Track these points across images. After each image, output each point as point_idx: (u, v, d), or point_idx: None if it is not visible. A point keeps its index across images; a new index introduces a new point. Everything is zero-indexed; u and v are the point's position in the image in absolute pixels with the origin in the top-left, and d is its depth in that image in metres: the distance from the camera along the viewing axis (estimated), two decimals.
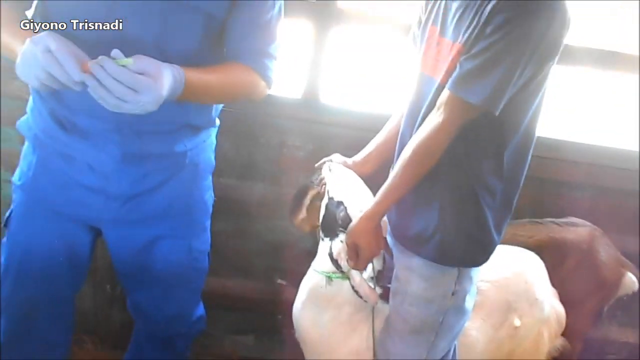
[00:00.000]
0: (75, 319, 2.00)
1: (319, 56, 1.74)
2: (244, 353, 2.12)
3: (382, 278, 1.36)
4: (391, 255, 1.35)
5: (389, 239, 1.36)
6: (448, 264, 1.25)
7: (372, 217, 1.23)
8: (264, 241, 1.98)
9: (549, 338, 1.58)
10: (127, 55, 0.93)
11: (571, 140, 1.96)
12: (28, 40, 0.93)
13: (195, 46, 1.14)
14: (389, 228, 1.38)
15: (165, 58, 1.01)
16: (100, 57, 0.91)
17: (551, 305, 1.59)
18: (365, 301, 1.31)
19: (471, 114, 1.10)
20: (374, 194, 1.27)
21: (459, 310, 1.31)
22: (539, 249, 1.67)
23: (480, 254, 1.28)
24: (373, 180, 1.39)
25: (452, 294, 1.27)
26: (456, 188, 1.20)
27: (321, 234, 1.43)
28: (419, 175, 1.17)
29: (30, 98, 1.25)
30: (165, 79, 0.96)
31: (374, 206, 1.23)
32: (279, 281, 1.98)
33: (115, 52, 0.92)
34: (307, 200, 1.54)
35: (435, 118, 1.12)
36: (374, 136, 1.48)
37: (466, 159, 1.18)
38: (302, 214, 1.56)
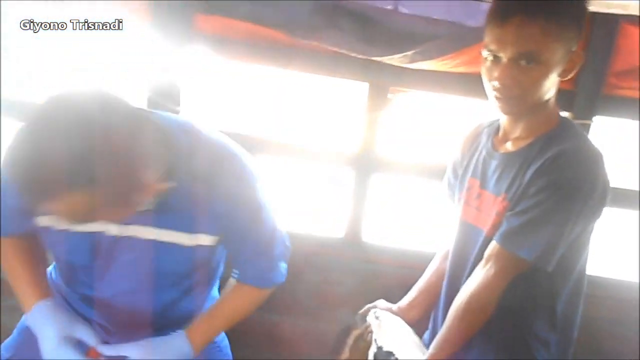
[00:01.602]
0: None
1: (360, 199, 1.85)
2: None
3: None
4: None
5: None
6: None
7: None
8: None
9: None
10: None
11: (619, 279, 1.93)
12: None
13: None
14: None
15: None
16: None
17: None
18: None
19: (522, 269, 1.12)
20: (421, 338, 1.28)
21: None
22: None
23: None
24: (419, 326, 1.40)
25: None
26: (510, 342, 1.20)
27: None
28: (474, 327, 1.17)
29: None
30: None
31: (429, 357, 1.21)
32: None
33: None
34: (350, 341, 1.54)
35: (485, 271, 1.15)
36: (414, 273, 1.51)
37: (517, 312, 1.18)
38: (345, 354, 1.55)
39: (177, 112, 1.79)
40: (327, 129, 1.91)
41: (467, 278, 1.22)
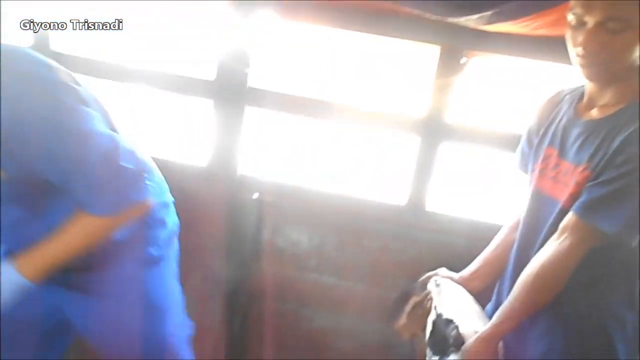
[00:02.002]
0: None
1: (425, 167, 1.81)
2: None
3: None
4: None
5: None
6: None
7: (490, 339, 1.18)
8: (361, 341, 1.98)
9: None
10: None
11: None
12: None
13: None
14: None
15: None
16: None
17: None
18: None
19: (600, 241, 1.08)
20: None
21: None
22: None
23: None
24: (481, 296, 1.37)
25: None
26: (582, 317, 1.14)
27: (429, 352, 1.41)
28: (543, 300, 1.14)
29: None
30: None
31: (491, 328, 1.19)
32: None
33: None
34: (408, 307, 1.54)
35: (560, 243, 1.10)
36: (478, 245, 1.47)
37: (594, 286, 1.13)
38: (403, 320, 1.56)
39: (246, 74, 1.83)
40: (395, 94, 1.85)
41: (537, 250, 1.17)
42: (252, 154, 1.99)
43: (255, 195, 1.93)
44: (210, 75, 1.87)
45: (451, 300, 1.38)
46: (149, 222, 1.33)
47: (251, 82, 1.87)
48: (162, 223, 1.38)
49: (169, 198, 1.45)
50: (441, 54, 1.71)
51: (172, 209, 1.46)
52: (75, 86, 1.13)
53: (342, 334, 2.02)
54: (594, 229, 1.07)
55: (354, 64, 1.90)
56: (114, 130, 1.20)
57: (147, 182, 1.22)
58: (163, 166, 1.97)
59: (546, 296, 1.13)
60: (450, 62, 1.69)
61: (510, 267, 1.30)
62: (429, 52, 1.73)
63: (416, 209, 1.86)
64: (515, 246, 1.30)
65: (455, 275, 1.45)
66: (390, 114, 1.84)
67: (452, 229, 1.82)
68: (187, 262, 1.97)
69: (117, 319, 1.34)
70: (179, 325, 1.47)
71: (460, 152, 1.84)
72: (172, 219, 1.44)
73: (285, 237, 1.98)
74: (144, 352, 1.37)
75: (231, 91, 1.87)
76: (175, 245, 1.47)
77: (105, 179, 1.12)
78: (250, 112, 1.91)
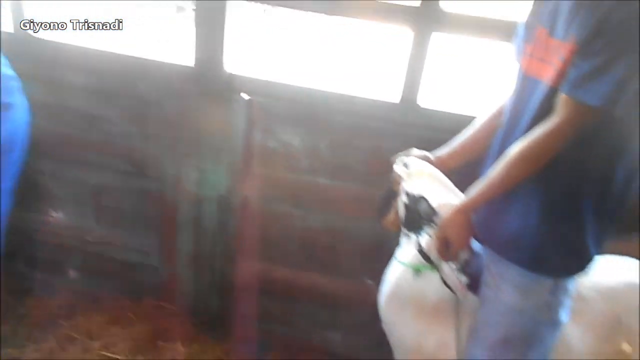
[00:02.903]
0: (181, 303, 2.21)
1: (418, 60, 1.74)
2: (331, 349, 2.18)
3: (468, 267, 1.32)
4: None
5: (476, 244, 1.35)
6: (542, 273, 1.21)
7: (466, 211, 1.23)
8: (354, 240, 2.03)
9: None
10: None
11: None
12: None
13: None
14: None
15: None
16: None
17: None
18: (454, 293, 1.32)
19: (589, 117, 1.06)
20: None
21: (553, 322, 1.26)
22: None
23: (575, 265, 1.22)
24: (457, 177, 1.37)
25: (546, 305, 1.23)
26: (559, 193, 1.16)
27: (404, 230, 1.44)
28: (524, 176, 1.14)
29: None
30: None
31: (468, 200, 1.22)
32: (368, 281, 2.01)
33: None
34: (395, 202, 1.55)
35: (549, 121, 1.09)
36: None
37: (574, 164, 1.12)
38: (390, 215, 1.58)
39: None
40: None
41: (523, 133, 1.15)
42: (241, 52, 1.92)
43: (245, 96, 1.88)
44: None
45: (420, 177, 1.39)
46: None
47: None
48: None
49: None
50: None
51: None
52: None
53: (335, 234, 2.05)
54: (581, 105, 1.04)
55: None
56: None
57: None
58: (149, 66, 1.92)
59: (528, 170, 1.13)
60: None
61: (494, 149, 1.29)
62: None
63: (410, 106, 1.82)
64: (500, 130, 1.28)
65: (430, 155, 1.47)
66: (383, 4, 1.74)
67: (446, 125, 1.77)
68: (180, 164, 1.98)
69: None
70: None
71: (455, 45, 1.76)
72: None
73: (277, 139, 1.96)
74: None
75: None
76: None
77: None
78: (236, 5, 1.81)
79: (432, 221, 1.31)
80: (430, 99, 1.84)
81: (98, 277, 2.27)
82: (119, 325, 2.07)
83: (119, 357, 1.94)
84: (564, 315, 1.27)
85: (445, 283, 1.32)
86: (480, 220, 1.29)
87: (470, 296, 1.36)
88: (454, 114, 1.80)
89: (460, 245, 1.25)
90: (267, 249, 2.14)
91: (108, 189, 2.13)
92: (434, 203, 1.32)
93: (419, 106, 1.82)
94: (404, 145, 1.86)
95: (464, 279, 1.30)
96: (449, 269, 1.30)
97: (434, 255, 1.32)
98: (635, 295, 1.41)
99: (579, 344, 1.40)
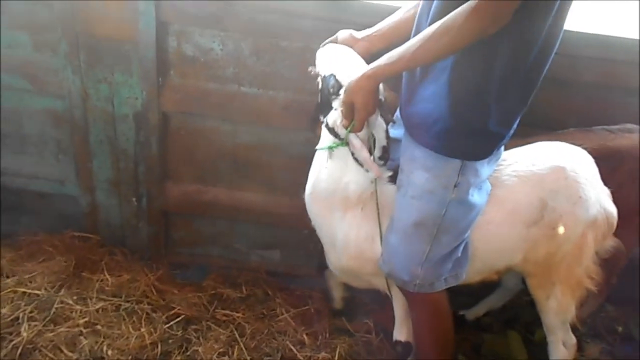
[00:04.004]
0: (106, 232, 2.05)
1: None
2: (271, 268, 2.11)
3: (387, 155, 1.32)
4: (390, 122, 1.32)
5: (396, 130, 1.38)
6: (448, 154, 1.24)
7: (373, 77, 1.19)
8: (288, 154, 1.91)
9: (596, 240, 1.46)
10: None
11: (622, 36, 1.70)
12: None
13: None
14: (399, 114, 1.39)
15: None
16: None
17: (600, 204, 1.45)
18: (367, 170, 1.33)
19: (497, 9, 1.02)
20: None
21: (463, 204, 1.31)
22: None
23: (481, 147, 1.25)
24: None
25: (455, 186, 1.26)
26: (466, 77, 1.16)
27: (320, 116, 1.38)
28: (438, 52, 1.11)
29: None
30: None
31: (376, 67, 1.19)
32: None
33: None
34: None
35: (467, 4, 1.05)
36: None
37: (481, 47, 1.09)
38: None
39: None
40: None
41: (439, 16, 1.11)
42: None
43: None
44: None
45: (332, 58, 1.38)
46: None
47: None
48: None
49: None
50: None
51: None
52: None
53: (268, 148, 1.92)
54: None
55: None
56: None
57: None
58: None
59: (441, 48, 1.09)
60: None
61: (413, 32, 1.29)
62: None
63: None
64: (418, 13, 1.27)
65: (358, 34, 1.44)
66: None
67: (377, 21, 1.63)
68: (84, 78, 1.74)
69: None
70: None
71: None
72: None
73: (194, 44, 1.75)
74: None
75: None
76: None
77: None
78: None
79: (339, 94, 1.29)
80: None
81: (7, 212, 2.05)
82: (35, 261, 1.89)
83: (39, 292, 1.79)
84: (477, 197, 1.32)
85: (356, 160, 1.32)
86: (402, 104, 1.32)
87: (390, 187, 1.38)
88: (387, 6, 1.64)
89: (365, 112, 1.23)
90: (195, 169, 1.99)
91: (4, 111, 1.87)
92: (341, 77, 1.30)
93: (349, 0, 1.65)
94: None
95: (384, 170, 1.33)
96: (359, 142, 1.28)
97: (340, 129, 1.30)
98: (560, 177, 1.40)
99: (502, 229, 1.41)
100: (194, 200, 2.01)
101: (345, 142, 1.31)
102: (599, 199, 1.44)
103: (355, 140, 1.28)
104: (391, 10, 1.60)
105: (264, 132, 1.89)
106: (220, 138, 1.91)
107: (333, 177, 1.38)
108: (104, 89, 1.77)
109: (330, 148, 1.36)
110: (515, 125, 1.28)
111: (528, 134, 1.56)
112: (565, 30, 1.21)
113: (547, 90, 1.42)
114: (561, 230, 1.39)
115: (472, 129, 1.22)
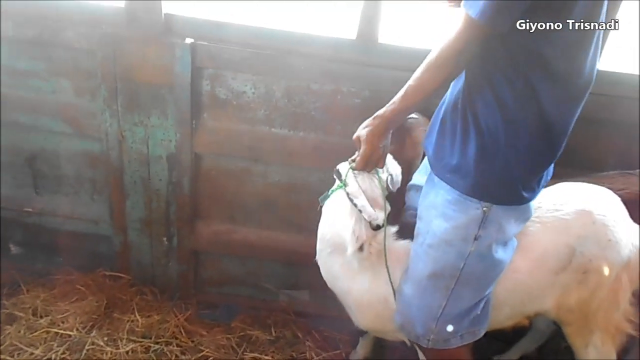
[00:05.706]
0: (136, 272, 2.06)
1: None
2: (299, 308, 2.09)
3: (392, 183, 1.38)
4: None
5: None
6: (475, 196, 1.22)
7: (382, 117, 1.25)
8: (317, 194, 1.90)
9: (631, 281, 1.40)
10: None
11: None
12: None
13: None
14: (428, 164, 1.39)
15: None
16: None
17: (632, 244, 1.39)
18: (360, 211, 1.31)
19: (475, 30, 1.07)
20: None
21: (485, 259, 1.26)
22: (633, 202, 1.47)
23: (505, 195, 1.22)
24: None
25: (475, 238, 1.23)
26: (489, 134, 1.17)
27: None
28: (434, 82, 1.16)
29: None
30: None
31: (385, 109, 1.25)
32: None
33: None
34: None
35: (452, 30, 1.12)
36: None
37: (509, 117, 1.13)
38: None
39: None
40: None
41: None
42: None
43: (188, 40, 1.70)
44: None
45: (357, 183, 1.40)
46: None
47: None
48: None
49: None
50: None
51: None
52: None
53: (298, 188, 1.93)
54: (467, 16, 1.06)
55: None
56: None
57: None
58: (75, 9, 1.70)
59: (436, 78, 1.15)
60: None
61: None
62: None
63: (367, 42, 1.67)
64: None
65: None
66: None
67: (407, 64, 1.64)
68: (121, 121, 1.79)
69: None
70: None
71: None
72: None
73: (226, 87, 1.79)
74: None
75: None
76: None
77: None
78: None
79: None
80: (390, 35, 1.70)
81: (43, 251, 2.09)
82: (68, 300, 1.91)
83: (71, 333, 1.80)
84: (502, 254, 1.28)
85: (351, 200, 1.32)
86: (430, 151, 1.33)
87: (401, 242, 1.37)
88: (416, 49, 1.66)
89: (369, 150, 1.27)
90: (225, 209, 2.00)
91: (44, 153, 1.93)
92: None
93: (377, 42, 1.68)
94: (365, 87, 1.74)
95: (385, 191, 1.35)
96: (356, 186, 1.32)
97: (344, 170, 1.36)
98: (587, 222, 1.36)
99: (528, 278, 1.37)
100: (223, 240, 2.02)
101: (344, 184, 1.34)
102: (631, 239, 1.39)
103: (352, 182, 1.32)
104: (422, 53, 1.62)
105: (294, 172, 1.90)
106: (251, 178, 1.93)
107: (334, 238, 1.40)
108: (139, 131, 1.82)
109: (333, 192, 1.40)
110: (543, 180, 1.26)
111: (561, 174, 1.53)
112: (604, 71, 1.20)
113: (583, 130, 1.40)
114: (607, 271, 1.34)
115: (498, 178, 1.20)
